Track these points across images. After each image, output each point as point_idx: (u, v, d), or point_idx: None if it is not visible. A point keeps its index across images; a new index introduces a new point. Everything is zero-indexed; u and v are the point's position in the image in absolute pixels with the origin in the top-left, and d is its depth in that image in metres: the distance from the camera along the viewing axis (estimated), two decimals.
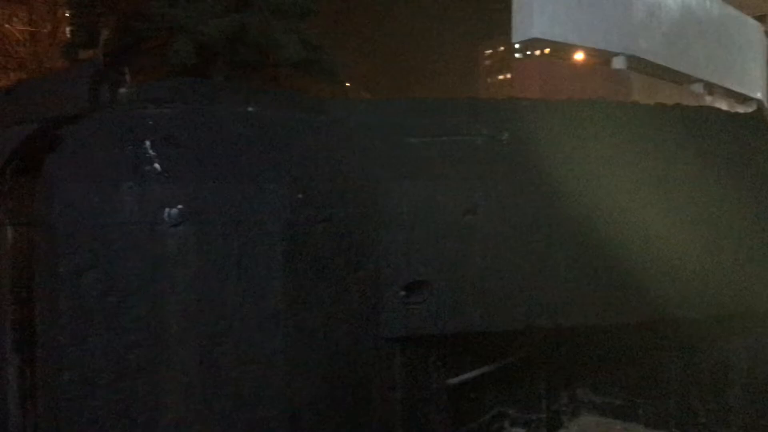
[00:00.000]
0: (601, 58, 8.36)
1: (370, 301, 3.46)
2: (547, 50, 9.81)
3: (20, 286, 2.99)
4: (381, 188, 3.53)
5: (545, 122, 4.11)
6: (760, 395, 4.60)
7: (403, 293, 3.57)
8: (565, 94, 7.54)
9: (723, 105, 10.63)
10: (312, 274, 3.19)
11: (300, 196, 3.15)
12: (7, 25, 36.18)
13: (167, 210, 2.90)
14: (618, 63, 8.05)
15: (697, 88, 9.97)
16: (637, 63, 8.47)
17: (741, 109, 11.30)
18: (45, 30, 27.10)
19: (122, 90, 3.26)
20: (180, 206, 2.91)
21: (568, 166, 3.95)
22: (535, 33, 7.23)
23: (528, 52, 11.17)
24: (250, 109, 3.47)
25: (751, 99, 11.59)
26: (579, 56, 8.42)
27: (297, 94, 4.13)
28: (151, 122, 3.09)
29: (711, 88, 10.27)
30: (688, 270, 4.02)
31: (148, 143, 2.98)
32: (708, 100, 9.98)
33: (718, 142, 4.43)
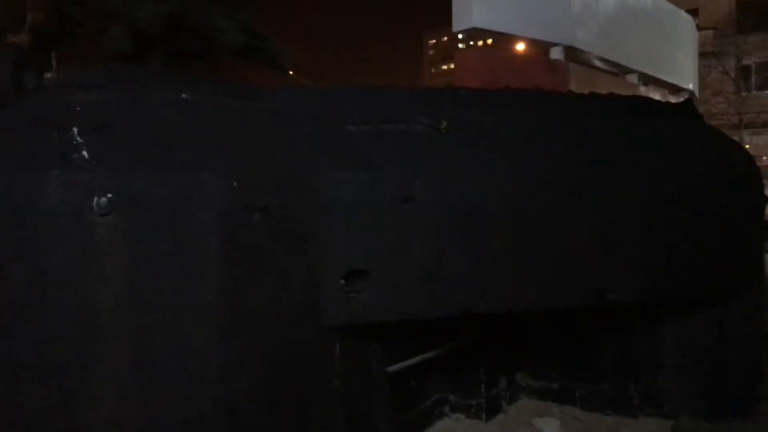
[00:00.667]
0: (540, 48, 8.51)
1: (310, 290, 3.43)
2: (489, 41, 9.91)
3: None
4: (319, 177, 3.50)
5: (484, 111, 4.15)
6: (691, 378, 4.77)
7: (342, 282, 3.55)
8: (504, 84, 7.64)
9: (657, 95, 10.94)
10: (249, 264, 3.15)
11: (235, 184, 3.10)
12: None
13: (96, 199, 2.81)
14: (556, 53, 8.19)
15: (633, 78, 10.24)
16: (574, 54, 8.64)
17: (673, 100, 11.65)
18: None
19: (48, 75, 3.14)
20: (109, 195, 2.82)
21: (507, 154, 4.00)
22: (475, 23, 7.28)
23: (471, 43, 11.25)
24: (184, 96, 3.40)
25: (683, 89, 11.97)
26: (519, 47, 8.55)
27: (234, 81, 4.07)
28: (79, 108, 2.99)
29: (646, 78, 10.57)
30: (621, 257, 4.13)
31: (75, 130, 2.89)
32: (642, 90, 10.24)
33: (652, 131, 4.56)
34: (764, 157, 32.04)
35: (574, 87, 8.32)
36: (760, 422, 4.64)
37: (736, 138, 24.84)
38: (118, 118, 3.01)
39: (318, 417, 3.52)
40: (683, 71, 11.72)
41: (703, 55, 32.14)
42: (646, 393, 4.89)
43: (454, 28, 7.44)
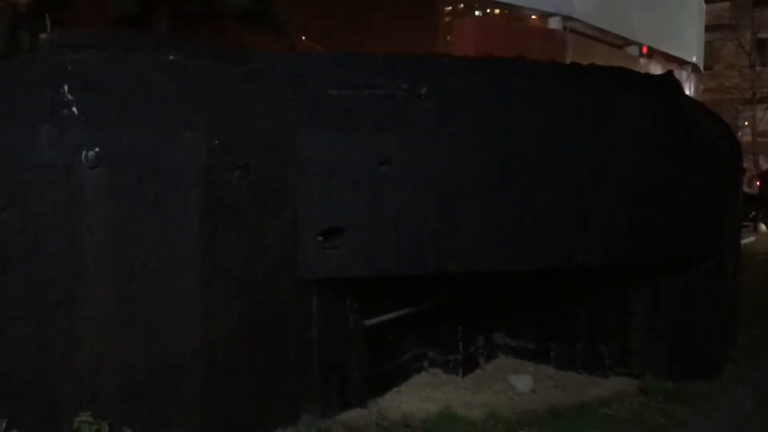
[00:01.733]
0: (538, 18, 8.57)
1: (288, 245, 3.65)
2: (496, 11, 9.93)
3: None
4: (300, 138, 3.69)
5: (464, 79, 4.30)
6: (658, 340, 4.98)
7: (319, 239, 3.76)
8: (499, 51, 7.74)
9: (658, 68, 10.98)
10: (228, 218, 3.36)
11: (216, 142, 3.30)
12: None
13: (84, 153, 3.02)
14: (554, 23, 8.25)
15: (633, 50, 10.26)
16: (573, 24, 8.69)
17: (676, 72, 11.68)
18: None
19: (42, 36, 3.33)
20: (97, 149, 3.03)
21: (483, 119, 4.17)
22: None
23: (478, 12, 11.28)
24: (171, 57, 3.57)
25: (687, 63, 11.97)
26: (518, 15, 8.64)
27: (220, 45, 4.23)
28: (70, 68, 3.18)
29: (648, 51, 10.60)
30: (591, 222, 4.31)
31: (66, 87, 3.08)
32: (642, 62, 10.29)
33: (627, 103, 4.70)
34: None
35: (571, 57, 8.41)
36: (723, 382, 4.85)
37: (749, 112, 24.45)
38: (106, 77, 3.20)
39: (293, 364, 3.76)
40: (687, 44, 11.72)
41: (718, 28, 31.84)
42: (617, 354, 5.10)
43: None
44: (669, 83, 5.11)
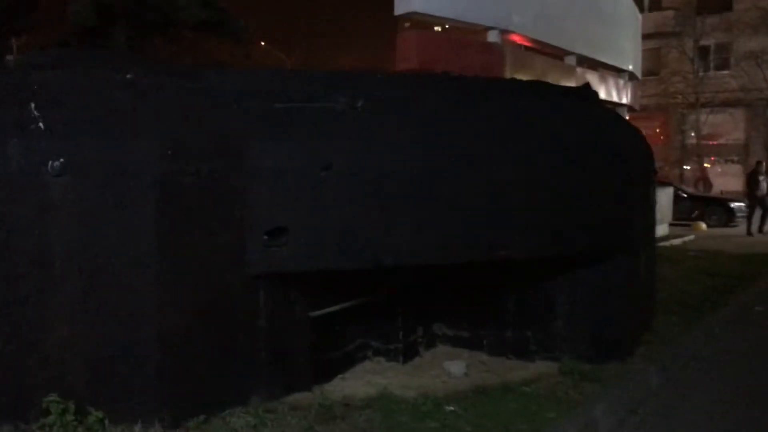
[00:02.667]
0: (477, 31, 9.09)
1: (237, 243, 4.06)
2: (438, 28, 10.38)
3: None
4: (247, 147, 4.11)
5: (396, 91, 4.78)
6: (577, 326, 5.51)
7: (266, 237, 4.18)
8: (442, 65, 8.27)
9: (595, 76, 11.63)
10: (182, 219, 3.77)
11: (170, 152, 3.71)
12: None
13: (50, 163, 3.40)
14: (492, 36, 8.78)
15: (571, 60, 10.87)
16: (510, 36, 9.24)
17: (613, 80, 12.38)
18: None
19: (11, 57, 3.69)
20: (62, 160, 3.42)
21: (415, 129, 4.64)
22: (414, 7, 7.82)
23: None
24: (129, 75, 3.97)
25: (623, 71, 12.68)
26: (458, 29, 9.15)
27: (174, 63, 4.62)
28: (36, 86, 3.56)
29: (584, 60, 11.23)
30: (512, 219, 4.82)
31: (33, 105, 3.46)
32: (579, 71, 10.90)
33: (546, 111, 5.23)
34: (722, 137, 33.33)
35: (509, 68, 8.98)
36: (634, 363, 5.40)
37: (692, 116, 25.49)
38: (69, 94, 3.59)
39: (243, 350, 4.17)
40: (623, 53, 12.39)
41: (663, 35, 33.06)
42: (541, 339, 5.63)
43: (396, 12, 8.00)
44: (585, 94, 5.66)
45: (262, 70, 4.69)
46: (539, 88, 5.46)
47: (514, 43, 9.58)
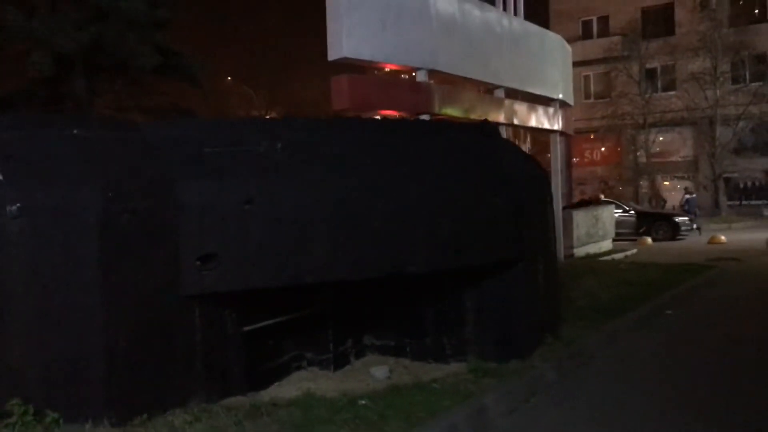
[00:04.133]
0: (404, 72, 9.92)
1: (171, 269, 4.79)
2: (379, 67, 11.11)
3: None
4: (179, 186, 4.85)
5: (311, 135, 5.58)
6: (484, 330, 6.30)
7: (198, 263, 4.91)
8: (373, 104, 9.12)
9: (524, 106, 12.59)
10: (122, 250, 4.50)
11: (110, 194, 4.45)
12: None
13: (8, 207, 4.13)
14: (420, 76, 9.60)
15: (499, 93, 11.77)
16: (438, 75, 10.10)
17: (541, 109, 13.35)
18: None
19: None
20: (18, 204, 4.15)
21: (327, 165, 5.43)
22: (345, 53, 8.63)
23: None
24: (75, 131, 4.72)
25: (553, 99, 13.66)
26: (387, 70, 9.98)
27: (115, 118, 5.37)
28: None
29: (513, 92, 12.14)
30: (416, 240, 5.61)
31: None
32: (507, 103, 11.80)
33: (447, 145, 6.06)
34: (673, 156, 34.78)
35: (438, 104, 9.84)
36: (533, 361, 6.17)
37: (642, 136, 27.17)
38: (23, 150, 4.33)
39: (180, 360, 4.87)
40: (552, 84, 13.35)
41: (612, 59, 34.59)
42: (455, 344, 6.41)
43: (329, 58, 8.82)
44: (484, 130, 6.51)
45: (194, 120, 5.46)
46: (441, 126, 6.31)
47: (442, 81, 10.46)
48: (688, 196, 26.28)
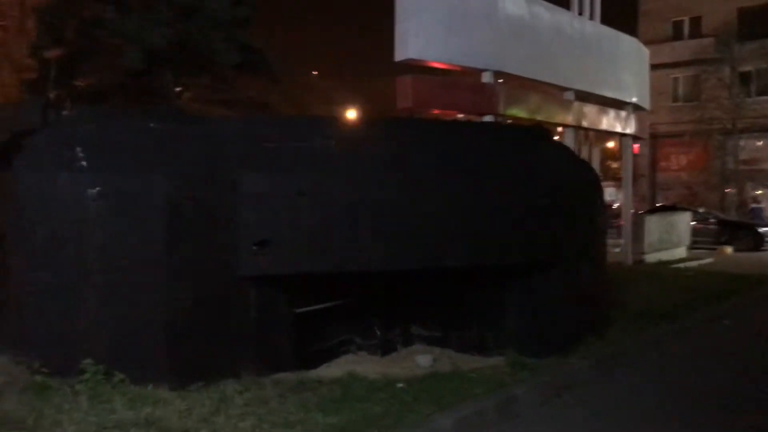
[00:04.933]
0: (470, 73, 10.13)
1: (230, 252, 5.28)
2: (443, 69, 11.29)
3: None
4: (239, 177, 5.35)
5: (364, 135, 5.98)
6: (524, 326, 6.53)
7: (254, 247, 5.39)
8: (435, 104, 9.43)
9: (594, 108, 12.58)
10: (186, 232, 5.03)
11: (178, 182, 4.98)
12: None
13: (89, 191, 4.71)
14: (486, 77, 9.81)
15: (569, 95, 11.80)
16: (505, 76, 10.27)
17: (612, 112, 13.30)
18: (12, 23, 28.28)
19: (64, 113, 5.05)
20: (98, 188, 4.72)
21: (374, 162, 5.81)
22: (410, 54, 8.96)
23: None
24: (150, 124, 5.28)
25: (627, 103, 13.51)
26: (452, 71, 10.23)
27: (185, 112, 5.93)
28: (81, 134, 4.89)
29: (583, 95, 12.12)
30: (456, 235, 5.91)
31: (79, 148, 4.79)
32: (576, 105, 11.82)
33: (497, 147, 6.33)
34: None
35: (503, 105, 10.04)
36: (571, 359, 6.37)
37: (731, 142, 26.35)
38: (105, 140, 4.91)
39: (235, 337, 5.37)
40: (625, 87, 13.24)
41: (703, 61, 33.42)
42: (498, 338, 6.66)
43: (396, 59, 9.17)
44: (534, 132, 6.73)
45: (256, 117, 5.94)
46: (489, 127, 6.57)
47: (508, 82, 10.66)
48: (754, 205, 25.23)
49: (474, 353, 6.78)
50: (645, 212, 22.61)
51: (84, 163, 4.77)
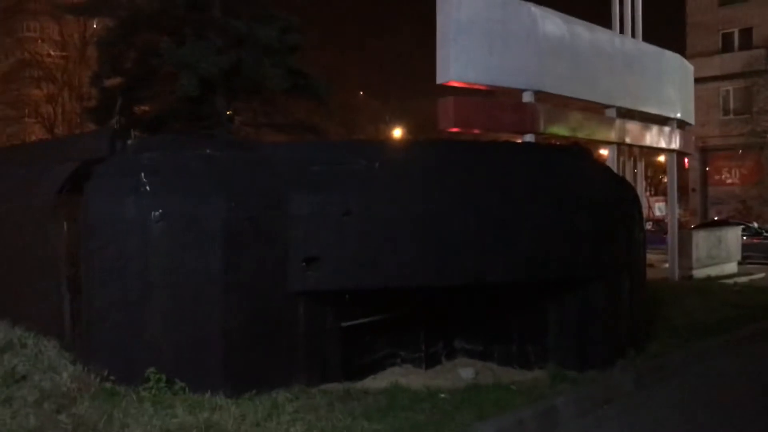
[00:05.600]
0: (511, 93, 10.35)
1: (280, 269, 5.63)
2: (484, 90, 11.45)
3: (71, 254, 5.25)
4: (289, 198, 5.70)
5: (405, 156, 6.28)
6: (565, 340, 6.69)
7: (303, 264, 5.73)
8: (477, 124, 9.69)
9: (637, 125, 12.63)
10: (241, 251, 5.39)
11: (233, 204, 5.36)
12: (40, 41, 39.22)
13: (154, 212, 5.13)
14: (526, 97, 10.01)
15: (611, 113, 11.88)
16: (545, 96, 10.46)
17: (656, 128, 13.33)
18: (74, 53, 29.72)
19: (129, 142, 5.50)
20: (160, 210, 5.13)
21: (416, 182, 6.10)
22: (452, 77, 9.24)
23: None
24: (208, 151, 5.69)
25: (671, 118, 13.50)
26: (494, 93, 10.46)
27: (239, 139, 6.32)
28: (144, 162, 5.32)
29: (626, 111, 12.19)
30: (497, 252, 6.14)
31: (143, 174, 5.22)
32: (618, 122, 11.90)
33: (533, 166, 6.55)
34: None
35: (543, 124, 10.23)
36: (612, 372, 6.50)
37: None
38: (166, 167, 5.33)
39: (286, 349, 5.70)
40: (669, 103, 13.25)
41: (755, 73, 32.79)
42: (539, 352, 6.84)
43: (438, 81, 9.47)
44: (572, 151, 6.93)
45: (304, 143, 6.31)
46: (528, 147, 6.80)
47: (548, 101, 10.85)
48: None
49: (516, 366, 6.97)
50: (696, 227, 22.29)
51: (147, 188, 5.19)
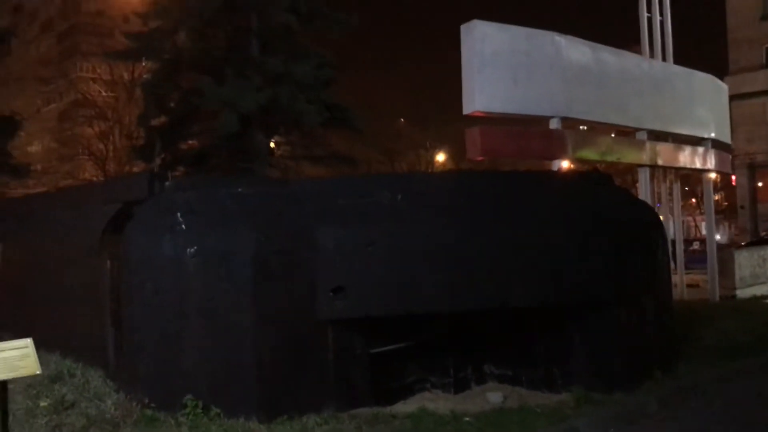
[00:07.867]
0: (537, 121, 10.52)
1: (309, 298, 5.93)
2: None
3: (114, 291, 5.65)
4: (316, 231, 6.02)
5: (427, 188, 6.56)
6: (590, 364, 6.81)
7: (330, 294, 6.03)
8: (504, 153, 9.91)
9: (669, 147, 12.65)
10: (270, 282, 5.72)
11: (263, 238, 5.71)
12: (91, 82, 40.90)
13: (189, 249, 5.51)
14: (553, 124, 10.18)
15: (641, 135, 11.94)
16: (572, 122, 10.60)
17: (689, 149, 13.31)
18: (123, 94, 30.97)
19: (167, 184, 5.92)
20: (195, 247, 5.51)
21: (437, 212, 6.36)
22: (477, 108, 9.48)
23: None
24: (240, 189, 6.08)
25: (704, 139, 13.46)
26: (520, 121, 10.63)
27: (278, 172, 6.68)
28: (180, 202, 5.72)
29: (657, 134, 12.23)
30: (518, 278, 6.34)
31: (179, 214, 5.61)
32: (648, 144, 11.95)
33: (550, 193, 6.75)
34: None
35: (571, 150, 10.39)
36: (637, 394, 6.58)
37: None
38: (200, 206, 5.72)
39: (316, 375, 5.97)
40: (701, 123, 13.22)
41: None
42: (565, 375, 6.96)
43: (464, 112, 9.72)
44: (592, 177, 7.10)
45: (331, 178, 6.63)
46: (547, 175, 7.00)
47: (576, 126, 11.00)
48: None
49: (544, 390, 7.09)
50: (746, 244, 21.85)
51: (183, 226, 5.58)
